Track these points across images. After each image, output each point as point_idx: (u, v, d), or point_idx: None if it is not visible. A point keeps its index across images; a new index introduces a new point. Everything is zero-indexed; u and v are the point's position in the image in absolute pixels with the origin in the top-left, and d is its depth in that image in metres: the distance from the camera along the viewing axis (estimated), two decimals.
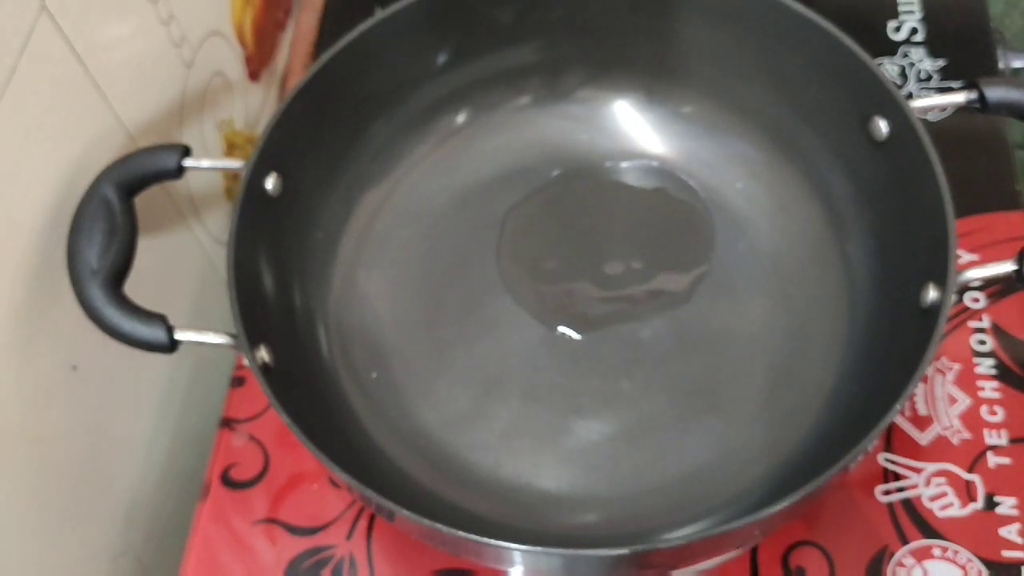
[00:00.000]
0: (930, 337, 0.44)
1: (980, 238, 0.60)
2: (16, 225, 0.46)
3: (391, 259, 0.59)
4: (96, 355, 0.52)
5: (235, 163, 0.52)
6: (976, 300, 0.59)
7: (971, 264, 0.57)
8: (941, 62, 0.67)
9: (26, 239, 0.47)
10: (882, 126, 0.52)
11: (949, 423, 0.56)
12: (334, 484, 0.56)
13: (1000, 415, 0.55)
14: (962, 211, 0.48)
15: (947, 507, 0.53)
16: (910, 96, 0.65)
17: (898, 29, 0.69)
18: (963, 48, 0.68)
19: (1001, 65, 0.67)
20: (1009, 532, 0.52)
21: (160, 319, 0.47)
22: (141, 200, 0.50)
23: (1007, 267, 0.47)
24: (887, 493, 0.54)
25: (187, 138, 0.59)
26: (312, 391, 0.53)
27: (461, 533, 0.42)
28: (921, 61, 0.68)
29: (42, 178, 0.48)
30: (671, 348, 0.56)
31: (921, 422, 0.56)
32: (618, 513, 0.52)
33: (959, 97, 0.50)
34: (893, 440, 0.55)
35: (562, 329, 0.57)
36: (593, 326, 0.57)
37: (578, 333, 0.57)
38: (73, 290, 0.47)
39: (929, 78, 0.67)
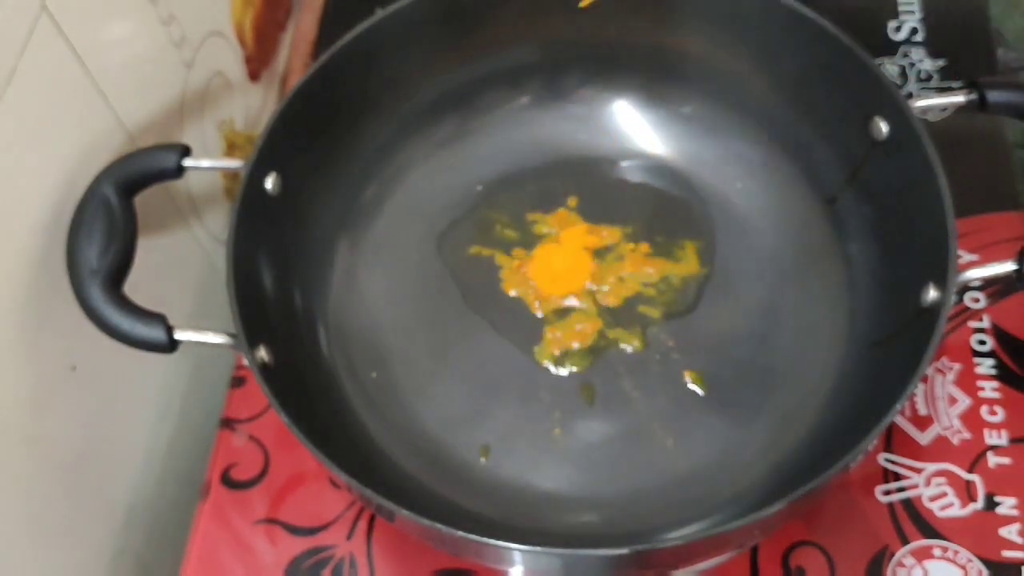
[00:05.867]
0: (930, 337, 0.44)
1: (980, 238, 0.60)
2: (16, 225, 0.46)
3: (391, 259, 0.59)
4: (96, 355, 0.52)
5: (235, 163, 0.52)
6: (976, 300, 0.59)
7: (971, 264, 0.57)
8: (941, 62, 0.67)
9: (26, 239, 0.47)
10: (882, 126, 0.52)
11: (949, 423, 0.55)
12: (334, 484, 0.56)
13: (1000, 415, 0.55)
14: (962, 211, 0.48)
15: (947, 507, 0.53)
16: (910, 96, 0.65)
17: (898, 29, 0.69)
18: (963, 48, 0.68)
19: (1001, 65, 0.67)
20: (1009, 532, 0.52)
21: (160, 319, 0.47)
22: (141, 200, 0.50)
23: (1007, 267, 0.47)
24: (887, 493, 0.54)
25: (187, 138, 0.59)
26: (312, 391, 0.53)
27: (461, 533, 0.42)
28: (921, 61, 0.68)
29: (42, 178, 0.48)
30: (671, 348, 0.56)
31: (921, 422, 0.56)
32: (618, 513, 0.52)
33: (959, 97, 0.50)
34: (893, 440, 0.55)
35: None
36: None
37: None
38: (73, 290, 0.47)
39: (929, 78, 0.67)
